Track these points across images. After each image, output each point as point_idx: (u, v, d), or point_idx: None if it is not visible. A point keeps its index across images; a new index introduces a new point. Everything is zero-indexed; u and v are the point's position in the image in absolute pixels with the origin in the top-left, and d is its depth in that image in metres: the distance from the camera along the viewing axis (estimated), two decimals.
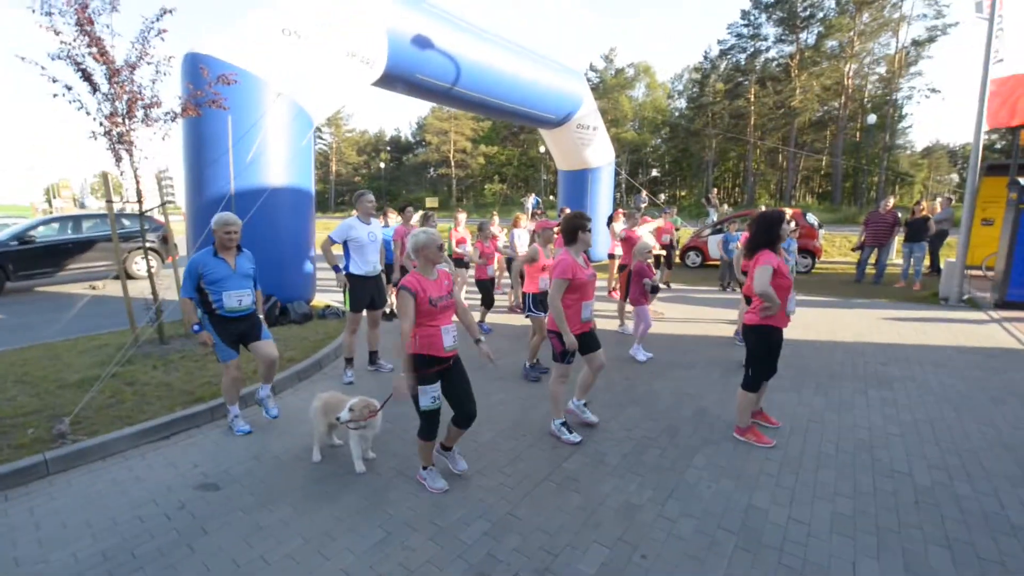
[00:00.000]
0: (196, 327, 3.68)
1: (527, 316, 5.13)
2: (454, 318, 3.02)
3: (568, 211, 9.77)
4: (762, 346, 3.54)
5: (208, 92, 5.33)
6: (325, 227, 24.79)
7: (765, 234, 3.47)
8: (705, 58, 40.11)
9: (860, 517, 2.79)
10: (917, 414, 4.17)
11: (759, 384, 3.64)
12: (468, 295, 9.04)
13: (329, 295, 8.84)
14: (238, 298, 3.72)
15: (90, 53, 4.62)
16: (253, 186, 6.49)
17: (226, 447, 3.68)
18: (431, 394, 2.90)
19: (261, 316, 4.07)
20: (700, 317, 7.78)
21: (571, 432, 3.67)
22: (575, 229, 3.61)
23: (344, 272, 4.85)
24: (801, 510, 2.86)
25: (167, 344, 5.66)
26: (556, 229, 5.63)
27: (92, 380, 4.54)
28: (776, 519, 2.78)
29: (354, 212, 5.03)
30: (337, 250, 4.88)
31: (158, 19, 4.83)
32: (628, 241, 6.90)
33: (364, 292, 4.93)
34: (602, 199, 13.78)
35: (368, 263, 4.90)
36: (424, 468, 3.14)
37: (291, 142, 6.88)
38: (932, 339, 6.40)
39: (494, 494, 3.04)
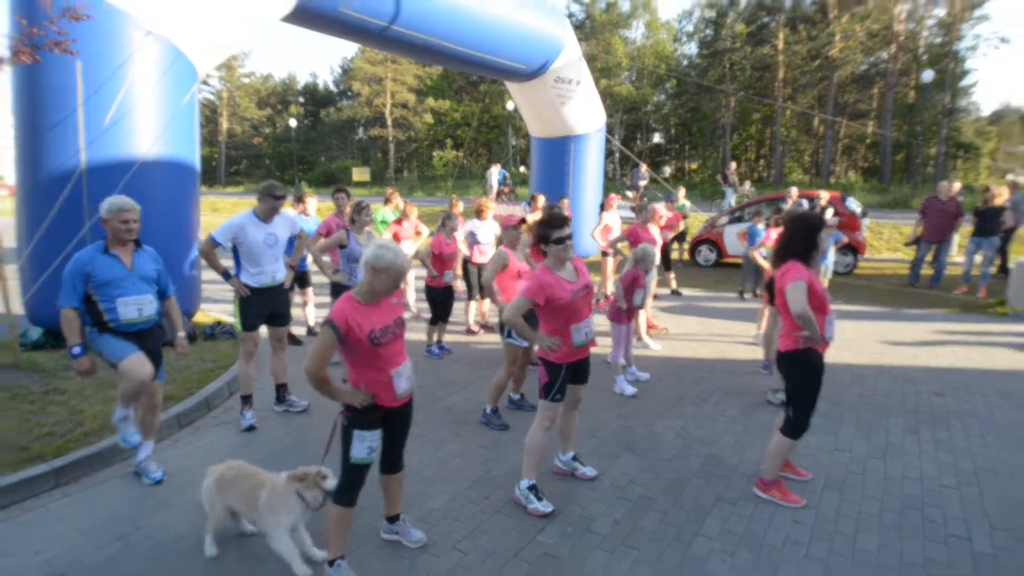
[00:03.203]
0: (77, 349, 3.70)
1: (506, 342, 5.05)
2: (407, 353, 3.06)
3: (541, 201, 9.79)
4: (807, 376, 3.73)
5: (49, 30, 5.19)
6: (212, 208, 24.25)
7: (803, 242, 3.67)
8: None
9: None
10: (979, 460, 4.46)
11: (806, 426, 3.80)
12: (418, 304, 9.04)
13: (219, 306, 8.67)
14: (137, 306, 3.80)
15: None
16: (113, 158, 6.40)
17: (79, 524, 3.59)
18: (368, 443, 2.92)
19: (181, 334, 4.13)
20: (714, 334, 8.04)
21: (541, 499, 3.73)
22: (538, 240, 3.69)
23: (238, 278, 4.90)
24: None
25: None
26: (527, 224, 5.71)
27: None
28: None
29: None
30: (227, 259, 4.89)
31: None
32: (634, 239, 6.99)
33: (259, 305, 4.98)
34: (589, 177, 13.99)
35: (264, 273, 4.96)
36: (331, 564, 3.00)
37: (167, 99, 6.79)
38: (999, 362, 6.83)
39: None
